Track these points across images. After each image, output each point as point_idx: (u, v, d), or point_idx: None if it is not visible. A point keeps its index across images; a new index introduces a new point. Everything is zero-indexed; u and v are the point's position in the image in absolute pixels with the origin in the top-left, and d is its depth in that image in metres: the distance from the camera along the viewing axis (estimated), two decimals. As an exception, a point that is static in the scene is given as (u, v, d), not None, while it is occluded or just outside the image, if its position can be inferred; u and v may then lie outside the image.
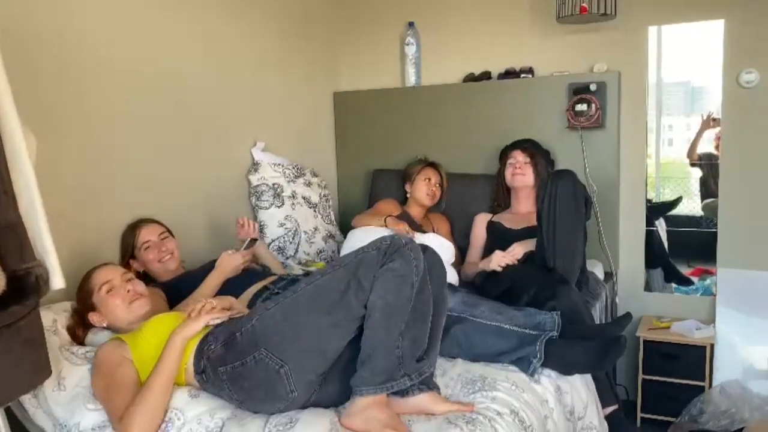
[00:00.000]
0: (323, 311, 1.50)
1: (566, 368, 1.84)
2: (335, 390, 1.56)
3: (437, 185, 2.88)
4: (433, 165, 2.93)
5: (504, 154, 2.80)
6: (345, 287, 1.50)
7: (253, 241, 2.32)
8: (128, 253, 2.14)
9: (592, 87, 2.76)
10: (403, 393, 1.55)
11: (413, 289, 1.53)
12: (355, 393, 1.47)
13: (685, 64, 2.95)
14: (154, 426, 1.46)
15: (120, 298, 1.77)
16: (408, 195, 2.91)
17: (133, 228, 2.15)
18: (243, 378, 1.50)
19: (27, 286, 1.25)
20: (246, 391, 1.51)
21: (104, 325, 1.79)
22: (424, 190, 2.84)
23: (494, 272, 2.36)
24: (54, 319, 1.78)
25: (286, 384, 1.47)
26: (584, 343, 1.85)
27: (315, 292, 1.53)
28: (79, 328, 1.81)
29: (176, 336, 1.56)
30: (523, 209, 2.70)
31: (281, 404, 1.50)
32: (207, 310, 1.61)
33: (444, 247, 2.42)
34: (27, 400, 1.59)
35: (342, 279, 1.51)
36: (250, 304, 1.96)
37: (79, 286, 1.83)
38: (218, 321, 1.61)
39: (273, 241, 2.72)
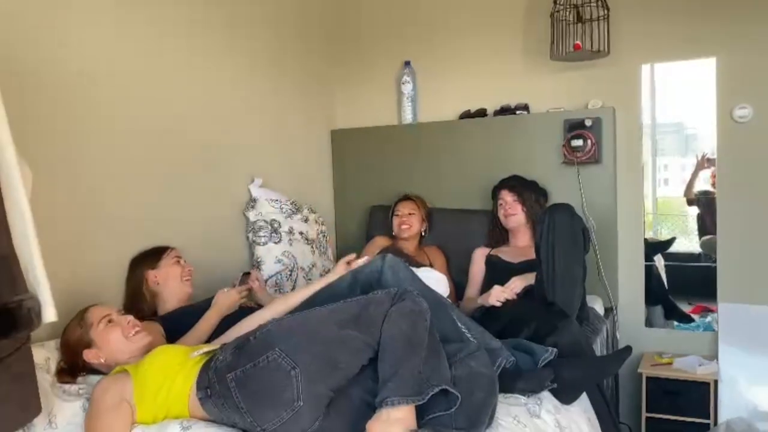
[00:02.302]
0: (338, 325, 1.54)
1: (567, 385, 1.82)
2: (341, 424, 1.52)
3: (408, 215, 2.91)
4: (405, 198, 2.99)
5: (493, 195, 2.82)
6: (357, 313, 1.55)
7: (247, 274, 2.31)
8: (153, 262, 2.15)
9: (587, 122, 2.79)
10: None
11: (426, 323, 1.57)
12: (385, 404, 1.44)
13: (679, 103, 3.00)
14: None
15: (120, 330, 1.75)
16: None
17: (162, 248, 2.21)
18: (252, 380, 1.49)
19: (18, 319, 1.22)
20: (253, 394, 1.48)
21: (102, 360, 1.73)
22: (396, 224, 2.92)
23: (493, 307, 2.34)
24: (47, 357, 1.74)
25: (294, 389, 1.45)
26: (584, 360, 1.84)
27: (330, 311, 1.59)
28: (70, 376, 1.75)
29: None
30: (521, 243, 2.69)
31: (285, 413, 1.46)
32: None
33: (438, 281, 2.39)
34: (15, 439, 1.54)
35: (354, 307, 1.57)
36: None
37: (68, 328, 1.77)
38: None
39: (270, 277, 2.69)
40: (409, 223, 2.89)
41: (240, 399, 1.48)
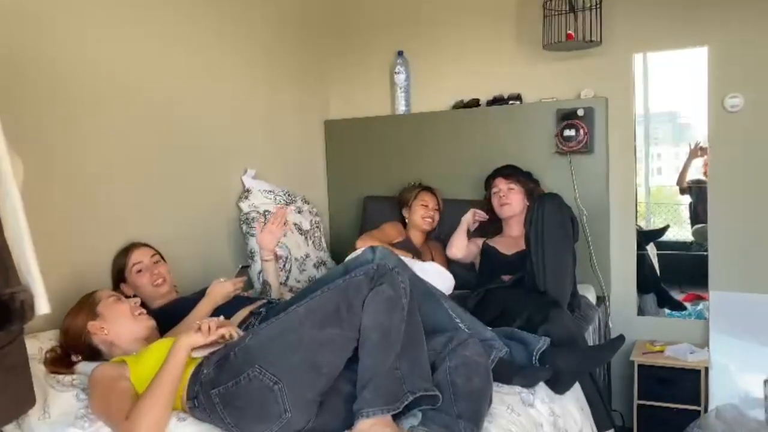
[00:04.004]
0: (316, 326, 1.50)
1: (561, 374, 1.84)
2: (334, 420, 1.53)
3: (435, 210, 2.89)
4: (429, 189, 2.96)
5: (487, 184, 2.82)
6: (336, 307, 1.51)
7: (245, 268, 2.30)
8: (120, 275, 2.12)
9: (580, 112, 2.80)
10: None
11: (404, 311, 1.55)
12: (361, 416, 1.45)
13: (671, 92, 3.00)
14: (162, 422, 1.45)
15: (128, 307, 1.80)
16: (406, 221, 2.92)
17: (125, 251, 2.15)
18: (236, 398, 1.48)
19: (11, 311, 1.21)
20: (239, 411, 1.48)
21: (105, 334, 1.75)
22: (421, 214, 2.86)
23: (486, 297, 2.35)
24: (40, 347, 1.75)
25: (280, 402, 1.44)
26: (577, 349, 1.86)
27: (307, 311, 1.54)
28: (62, 365, 1.75)
29: (182, 340, 1.53)
30: (515, 233, 2.70)
31: (275, 426, 1.46)
32: (218, 332, 1.58)
33: (443, 277, 2.41)
34: (10, 429, 1.55)
35: (332, 300, 1.53)
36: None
37: (74, 306, 1.82)
38: (218, 347, 1.59)
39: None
40: (434, 219, 2.88)
41: (225, 415, 1.49)
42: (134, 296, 2.09)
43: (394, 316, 1.53)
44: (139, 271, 2.11)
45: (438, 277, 2.27)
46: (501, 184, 2.72)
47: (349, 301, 1.52)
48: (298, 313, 1.55)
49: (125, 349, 1.75)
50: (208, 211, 2.62)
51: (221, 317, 1.66)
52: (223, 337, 1.58)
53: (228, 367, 1.51)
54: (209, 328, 1.56)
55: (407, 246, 2.71)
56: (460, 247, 2.75)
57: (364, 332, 1.51)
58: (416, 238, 2.87)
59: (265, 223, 2.35)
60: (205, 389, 1.51)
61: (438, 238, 2.98)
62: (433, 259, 2.76)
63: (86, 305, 1.81)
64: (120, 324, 1.77)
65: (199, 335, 1.54)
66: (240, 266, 2.31)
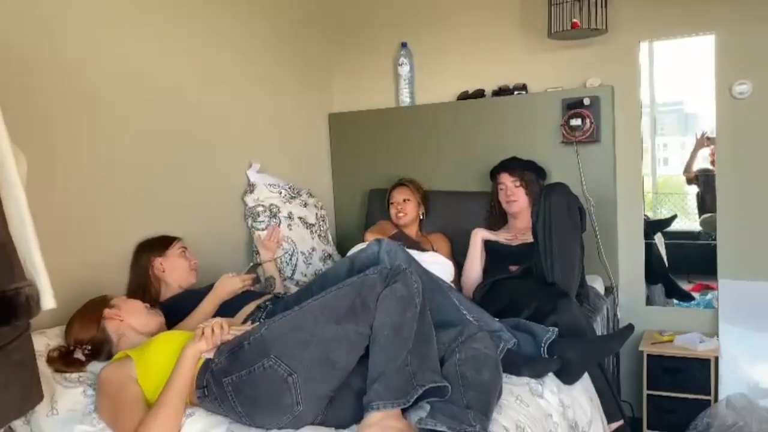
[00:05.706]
0: (332, 322, 1.52)
1: (570, 365, 1.83)
2: (343, 414, 1.54)
3: (404, 201, 2.89)
4: (399, 184, 2.96)
5: (492, 177, 2.80)
6: (351, 304, 1.53)
7: (255, 266, 2.30)
8: (161, 250, 2.17)
9: (586, 101, 2.77)
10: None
11: (417, 309, 1.56)
12: (371, 408, 1.45)
13: (678, 81, 2.97)
14: None
15: (141, 303, 1.88)
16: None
17: (170, 238, 2.22)
18: (249, 387, 1.48)
19: (17, 306, 1.21)
20: (251, 401, 1.48)
21: (120, 320, 1.79)
22: (393, 213, 2.89)
23: (493, 289, 2.34)
24: (47, 344, 1.75)
25: (293, 394, 1.45)
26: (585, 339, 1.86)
27: (322, 306, 1.55)
28: (66, 363, 1.73)
29: (189, 350, 1.55)
30: (519, 225, 2.68)
31: (285, 417, 1.47)
32: (224, 334, 1.59)
33: (442, 265, 2.40)
34: (18, 425, 1.55)
35: (347, 296, 1.55)
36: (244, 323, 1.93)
37: (89, 301, 1.84)
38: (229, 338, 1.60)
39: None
40: (404, 211, 2.87)
41: (237, 404, 1.49)
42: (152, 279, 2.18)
43: (407, 314, 1.54)
44: (183, 253, 2.20)
45: (438, 267, 2.26)
46: (506, 181, 2.69)
47: (363, 298, 1.53)
48: (313, 307, 1.55)
49: (132, 342, 1.76)
50: (212, 206, 2.61)
51: (217, 318, 1.67)
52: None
53: (242, 356, 1.51)
54: (212, 331, 1.57)
55: (400, 237, 2.70)
56: (477, 267, 2.60)
57: (377, 329, 1.52)
58: (409, 231, 2.87)
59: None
60: (217, 377, 1.51)
61: (444, 231, 2.96)
62: (435, 250, 2.75)
63: (99, 300, 1.84)
64: (134, 316, 1.82)
65: (203, 342, 1.56)
66: (251, 264, 2.32)
